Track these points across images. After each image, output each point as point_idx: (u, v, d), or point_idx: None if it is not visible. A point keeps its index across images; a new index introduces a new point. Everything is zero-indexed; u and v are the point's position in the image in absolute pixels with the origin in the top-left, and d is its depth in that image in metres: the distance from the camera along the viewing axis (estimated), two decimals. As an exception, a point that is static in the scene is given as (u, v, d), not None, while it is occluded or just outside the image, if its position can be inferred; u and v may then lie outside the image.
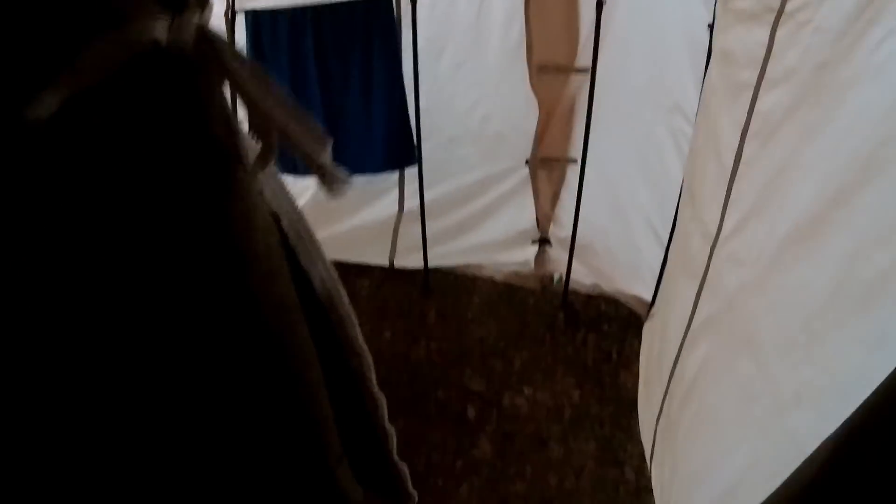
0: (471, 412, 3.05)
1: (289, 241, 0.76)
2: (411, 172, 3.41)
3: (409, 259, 3.77)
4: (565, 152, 3.41)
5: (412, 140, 3.23)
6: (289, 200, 0.75)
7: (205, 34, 0.50)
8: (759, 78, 1.68)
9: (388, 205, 3.65)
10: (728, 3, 1.91)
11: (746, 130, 1.76)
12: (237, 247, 0.59)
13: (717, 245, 1.95)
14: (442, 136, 3.39)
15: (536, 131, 3.28)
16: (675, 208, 2.93)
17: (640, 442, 2.84)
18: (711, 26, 2.51)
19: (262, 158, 0.55)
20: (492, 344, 3.43)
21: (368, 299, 3.61)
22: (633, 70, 2.98)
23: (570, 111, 3.30)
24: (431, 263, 3.70)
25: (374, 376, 0.97)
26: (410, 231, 3.64)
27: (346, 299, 0.87)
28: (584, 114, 3.12)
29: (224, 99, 0.53)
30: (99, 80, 0.45)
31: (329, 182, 0.59)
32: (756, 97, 1.70)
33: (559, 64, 3.12)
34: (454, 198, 3.58)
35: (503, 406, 3.09)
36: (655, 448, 2.56)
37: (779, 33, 1.59)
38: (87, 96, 0.45)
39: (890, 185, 1.23)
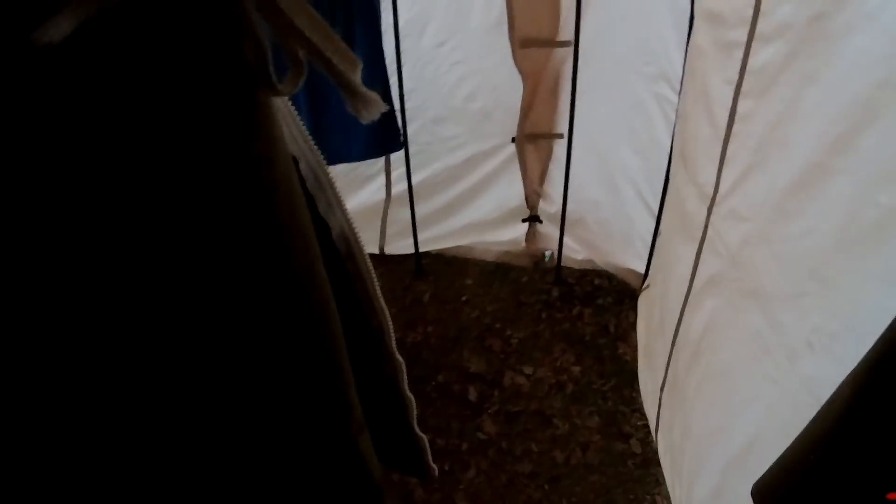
0: (472, 394, 3.03)
1: (307, 186, 0.73)
2: (397, 157, 3.37)
3: (400, 245, 3.75)
4: (552, 127, 3.39)
5: (397, 124, 3.20)
6: (308, 144, 0.72)
7: None
8: (749, 35, 1.67)
9: (376, 191, 3.61)
10: None
11: (740, 88, 1.75)
12: (265, 181, 0.56)
13: (715, 204, 1.94)
14: (426, 117, 3.35)
15: (522, 107, 3.25)
16: (664, 176, 2.93)
17: (644, 414, 2.84)
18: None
19: (293, 78, 0.52)
20: (488, 324, 3.42)
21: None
22: (616, 40, 2.97)
23: (555, 85, 3.28)
24: (422, 247, 3.69)
25: (393, 339, 0.95)
26: (399, 216, 3.61)
27: (365, 254, 0.84)
28: (569, 87, 3.10)
29: (256, 20, 0.50)
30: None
31: (360, 101, 0.56)
32: (748, 55, 1.70)
33: (542, 38, 3.09)
34: (442, 179, 3.56)
35: (504, 386, 3.08)
36: (661, 416, 2.56)
37: None
38: (106, 18, 0.41)
39: (889, 127, 1.23)
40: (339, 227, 0.79)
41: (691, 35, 2.46)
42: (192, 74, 0.47)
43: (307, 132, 0.70)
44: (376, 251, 3.81)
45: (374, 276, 0.86)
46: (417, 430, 1.10)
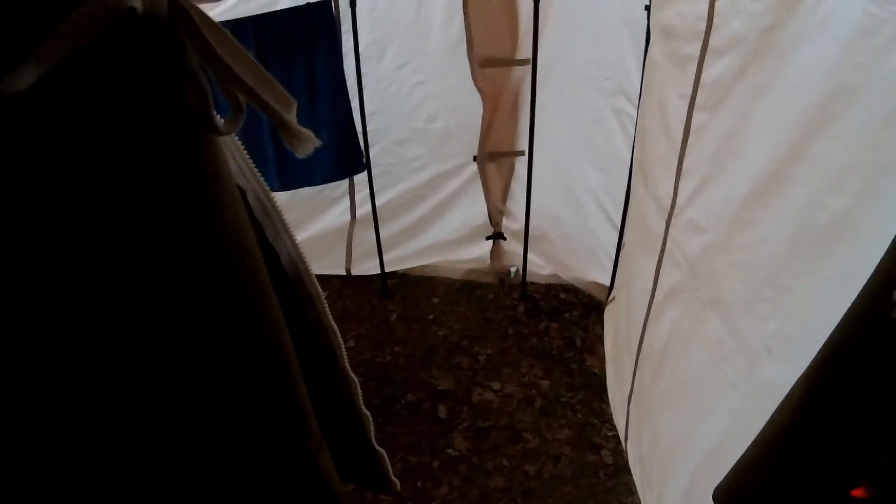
0: (442, 411, 3.04)
1: (255, 215, 0.76)
2: (361, 178, 3.39)
3: (366, 266, 3.76)
4: (512, 145, 3.44)
5: (360, 146, 3.22)
6: (255, 176, 0.75)
7: (177, 1, 0.51)
8: (702, 49, 1.71)
9: (341, 213, 3.63)
10: None
11: (694, 101, 1.79)
12: (212, 211, 0.59)
13: (673, 216, 1.98)
14: (389, 139, 3.39)
15: (482, 126, 3.29)
16: (626, 189, 2.98)
17: (614, 424, 2.87)
18: (648, 7, 2.57)
19: (233, 120, 0.56)
20: (456, 342, 3.44)
21: (329, 309, 3.56)
22: (574, 56, 3.02)
23: (515, 103, 3.33)
24: (388, 268, 3.70)
25: (346, 357, 0.97)
26: (365, 238, 3.62)
27: (313, 277, 0.87)
28: (529, 105, 3.15)
29: (197, 65, 0.53)
30: (77, 49, 0.45)
31: (295, 138, 0.60)
32: (701, 68, 1.74)
33: (501, 57, 3.14)
34: (406, 200, 3.59)
35: (473, 402, 3.09)
36: (630, 425, 2.59)
37: (718, 5, 1.62)
38: (64, 66, 0.45)
39: (839, 134, 1.27)
40: (286, 252, 0.83)
41: (647, 50, 2.51)
42: (141, 117, 0.51)
43: (254, 166, 0.74)
44: (343, 273, 3.81)
45: (322, 297, 0.89)
46: (376, 445, 1.12)
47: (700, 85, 1.75)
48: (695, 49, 1.74)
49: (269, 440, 0.76)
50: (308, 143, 0.61)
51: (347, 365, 0.98)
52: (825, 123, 1.31)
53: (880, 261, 0.78)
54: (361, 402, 1.05)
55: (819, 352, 0.90)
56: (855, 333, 0.84)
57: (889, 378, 0.77)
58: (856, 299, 0.83)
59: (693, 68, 1.76)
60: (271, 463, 0.78)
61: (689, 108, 1.82)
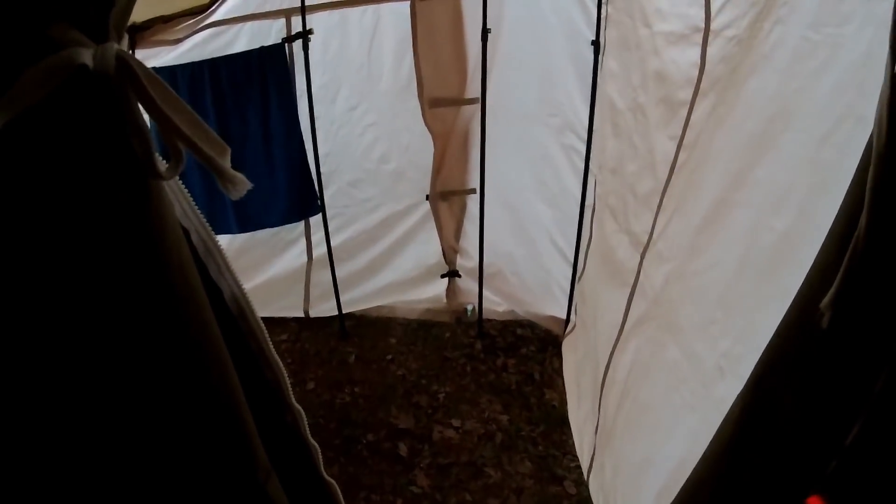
0: (403, 450, 3.03)
1: (198, 254, 0.80)
2: (317, 220, 3.41)
3: (324, 307, 3.76)
4: (464, 183, 3.50)
5: (314, 188, 3.24)
6: (197, 217, 0.80)
7: (124, 60, 0.56)
8: (694, 93, 1.76)
9: (297, 255, 3.63)
10: (652, 28, 2.00)
11: (682, 142, 1.84)
12: (157, 249, 0.64)
13: (647, 250, 2.03)
14: (343, 180, 3.42)
15: (434, 165, 3.34)
16: (577, 224, 3.04)
17: (576, 455, 2.89)
18: (595, 43, 2.64)
19: (173, 166, 0.62)
20: (414, 381, 3.44)
21: (288, 352, 3.58)
22: (522, 94, 3.10)
23: (465, 142, 3.39)
24: (346, 308, 3.70)
25: (290, 389, 0.99)
26: (322, 279, 3.63)
27: (256, 313, 0.90)
28: (479, 143, 3.21)
29: (141, 116, 0.59)
30: (36, 101, 0.51)
31: (229, 181, 0.66)
32: (691, 111, 1.79)
33: (450, 97, 3.21)
34: (361, 240, 3.61)
35: (434, 440, 3.09)
36: (595, 456, 2.60)
37: (709, 52, 1.68)
38: (23, 117, 0.51)
39: (778, 158, 1.33)
40: (229, 289, 0.86)
41: (597, 89, 2.58)
42: (91, 163, 0.57)
43: (197, 208, 0.78)
44: (301, 314, 3.80)
45: (265, 332, 0.92)
46: (325, 475, 1.14)
47: (688, 126, 1.80)
48: (687, 94, 1.78)
49: (217, 469, 0.78)
50: (241, 186, 0.67)
51: (292, 396, 1.01)
52: (765, 148, 1.37)
53: (808, 272, 0.80)
54: (308, 432, 1.06)
55: (755, 366, 0.92)
56: (787, 345, 0.86)
57: (822, 387, 0.78)
58: (786, 312, 0.85)
59: (684, 112, 1.80)
60: (221, 492, 0.80)
61: (677, 148, 1.86)
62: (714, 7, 1.61)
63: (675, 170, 1.87)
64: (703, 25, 1.66)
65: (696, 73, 1.72)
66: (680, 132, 1.83)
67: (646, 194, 2.09)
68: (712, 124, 1.63)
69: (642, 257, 2.07)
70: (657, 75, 2.00)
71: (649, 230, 2.02)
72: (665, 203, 1.93)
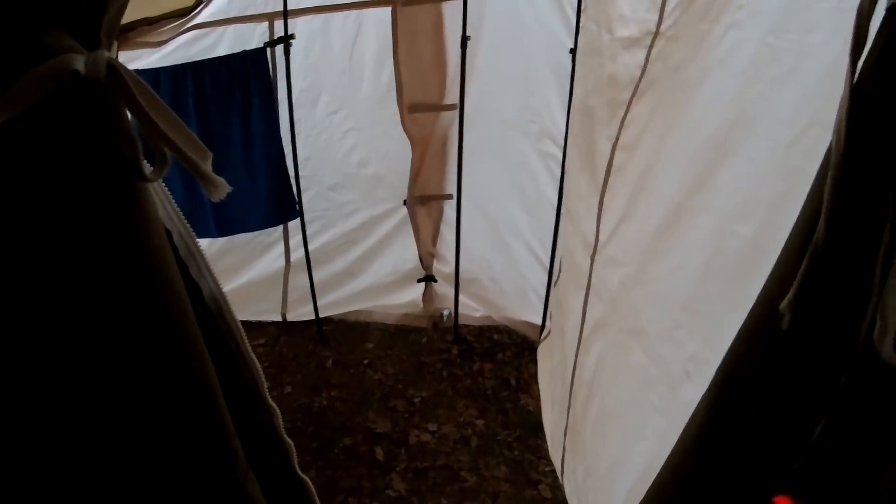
0: (379, 453, 3.04)
1: (179, 254, 0.83)
2: (295, 224, 3.43)
3: (302, 311, 3.78)
4: (441, 188, 3.52)
5: (293, 193, 3.26)
6: (179, 219, 0.83)
7: (114, 66, 0.59)
8: (632, 93, 1.81)
9: (276, 259, 3.65)
10: (614, 34, 2.02)
11: (617, 142, 1.88)
12: (141, 248, 0.67)
13: (597, 253, 2.06)
14: (322, 185, 3.44)
15: (412, 170, 3.37)
16: (553, 230, 3.07)
17: (551, 459, 2.92)
18: (573, 51, 2.67)
19: (158, 169, 0.65)
20: (391, 385, 3.46)
21: (266, 355, 3.59)
22: (501, 101, 3.13)
23: (443, 148, 3.41)
24: (323, 313, 3.72)
25: (266, 387, 1.02)
26: (300, 283, 3.64)
27: (233, 312, 0.93)
28: (457, 149, 3.24)
29: (128, 121, 0.62)
30: (30, 106, 0.54)
31: (210, 185, 0.69)
32: (627, 110, 1.83)
33: (429, 102, 3.23)
34: (339, 244, 3.63)
35: (410, 444, 3.10)
36: (566, 458, 2.63)
37: (652, 52, 1.72)
38: (17, 120, 0.54)
39: (741, 163, 1.35)
40: (209, 289, 0.89)
41: (573, 96, 2.61)
42: (80, 165, 0.60)
43: (179, 210, 0.82)
44: (279, 318, 3.82)
45: (242, 331, 0.95)
46: (300, 472, 1.16)
47: (623, 126, 1.84)
48: (628, 94, 1.82)
49: (197, 466, 0.80)
50: (221, 189, 0.70)
51: (268, 395, 1.03)
52: (726, 153, 1.38)
53: (769, 275, 0.82)
54: (283, 430, 1.08)
55: (719, 367, 0.95)
56: (750, 347, 0.88)
57: (785, 387, 0.80)
58: (748, 314, 0.87)
59: (622, 112, 1.85)
60: (201, 490, 0.82)
61: (612, 147, 1.90)
62: (666, 10, 1.64)
63: (612, 170, 1.91)
64: (654, 29, 1.70)
65: (638, 73, 1.76)
66: (616, 132, 1.88)
67: (586, 195, 2.13)
68: (659, 127, 1.65)
69: (592, 260, 2.11)
70: (610, 79, 2.04)
71: (594, 232, 2.05)
72: (606, 205, 1.97)
